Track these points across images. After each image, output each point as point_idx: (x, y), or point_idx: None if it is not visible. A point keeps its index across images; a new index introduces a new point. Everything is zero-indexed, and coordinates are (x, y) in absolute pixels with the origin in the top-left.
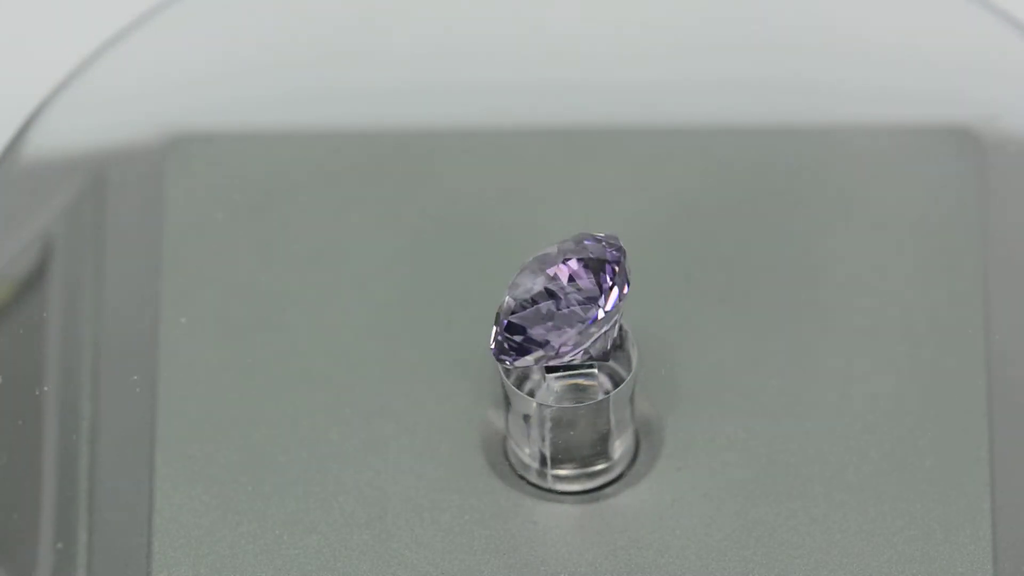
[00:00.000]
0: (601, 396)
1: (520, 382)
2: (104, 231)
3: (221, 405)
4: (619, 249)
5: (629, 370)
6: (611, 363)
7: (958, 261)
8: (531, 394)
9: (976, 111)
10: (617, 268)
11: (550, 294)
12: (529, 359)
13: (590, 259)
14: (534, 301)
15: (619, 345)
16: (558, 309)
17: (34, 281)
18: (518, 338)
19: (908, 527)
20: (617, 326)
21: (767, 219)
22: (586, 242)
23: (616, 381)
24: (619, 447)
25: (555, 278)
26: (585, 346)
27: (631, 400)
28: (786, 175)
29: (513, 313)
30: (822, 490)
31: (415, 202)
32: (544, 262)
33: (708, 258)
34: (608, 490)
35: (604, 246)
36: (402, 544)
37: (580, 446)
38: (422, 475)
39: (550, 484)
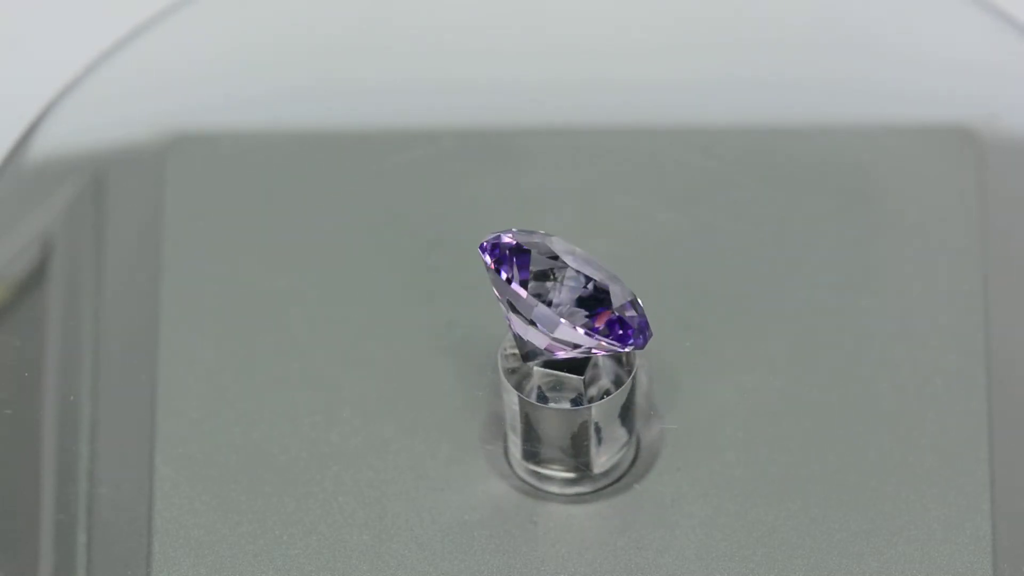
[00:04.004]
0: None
1: (519, 382)
2: (104, 231)
3: (221, 405)
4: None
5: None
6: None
7: (958, 261)
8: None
9: (976, 111)
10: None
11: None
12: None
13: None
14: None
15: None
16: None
17: (34, 281)
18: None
19: (908, 527)
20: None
21: (767, 219)
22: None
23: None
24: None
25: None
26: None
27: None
28: (786, 175)
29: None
30: (822, 490)
31: (415, 202)
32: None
33: (708, 258)
34: (608, 490)
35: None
36: (402, 544)
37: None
38: (422, 475)
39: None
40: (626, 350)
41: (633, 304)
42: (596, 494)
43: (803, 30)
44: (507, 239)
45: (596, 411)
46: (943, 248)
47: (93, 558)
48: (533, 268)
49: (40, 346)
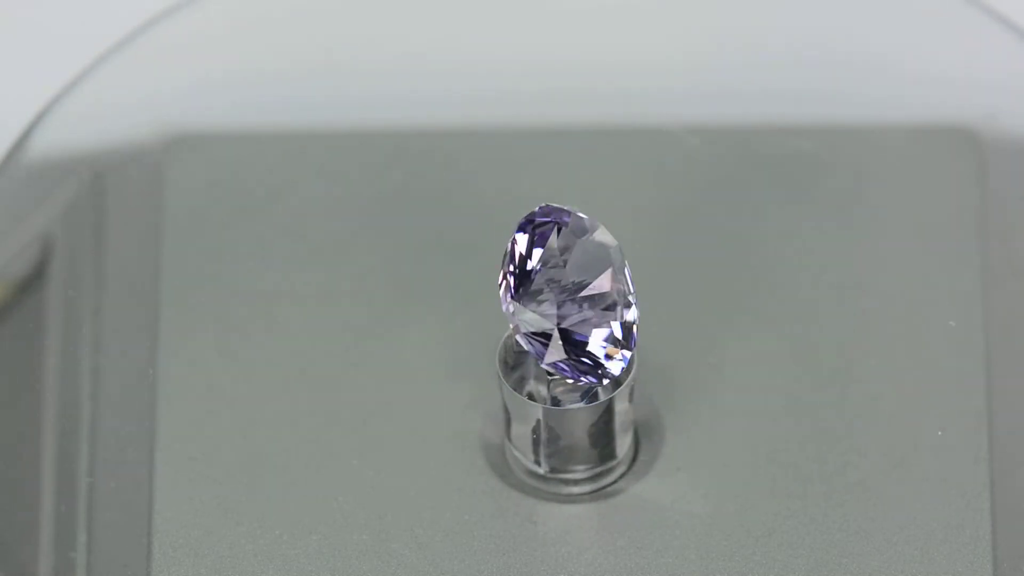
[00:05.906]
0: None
1: (518, 384)
2: (104, 231)
3: (221, 405)
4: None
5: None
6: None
7: (958, 261)
8: (530, 397)
9: (976, 111)
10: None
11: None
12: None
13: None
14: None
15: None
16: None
17: (34, 281)
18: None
19: (908, 527)
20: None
21: (767, 219)
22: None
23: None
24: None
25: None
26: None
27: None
28: (787, 175)
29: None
30: (822, 490)
31: (415, 202)
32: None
33: (708, 258)
34: (608, 490)
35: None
36: (402, 544)
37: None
38: (422, 475)
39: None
40: (575, 381)
41: (622, 359)
42: (596, 494)
43: (803, 30)
44: (560, 220)
45: (545, 413)
46: (943, 248)
47: (93, 558)
48: (546, 260)
49: (40, 346)
